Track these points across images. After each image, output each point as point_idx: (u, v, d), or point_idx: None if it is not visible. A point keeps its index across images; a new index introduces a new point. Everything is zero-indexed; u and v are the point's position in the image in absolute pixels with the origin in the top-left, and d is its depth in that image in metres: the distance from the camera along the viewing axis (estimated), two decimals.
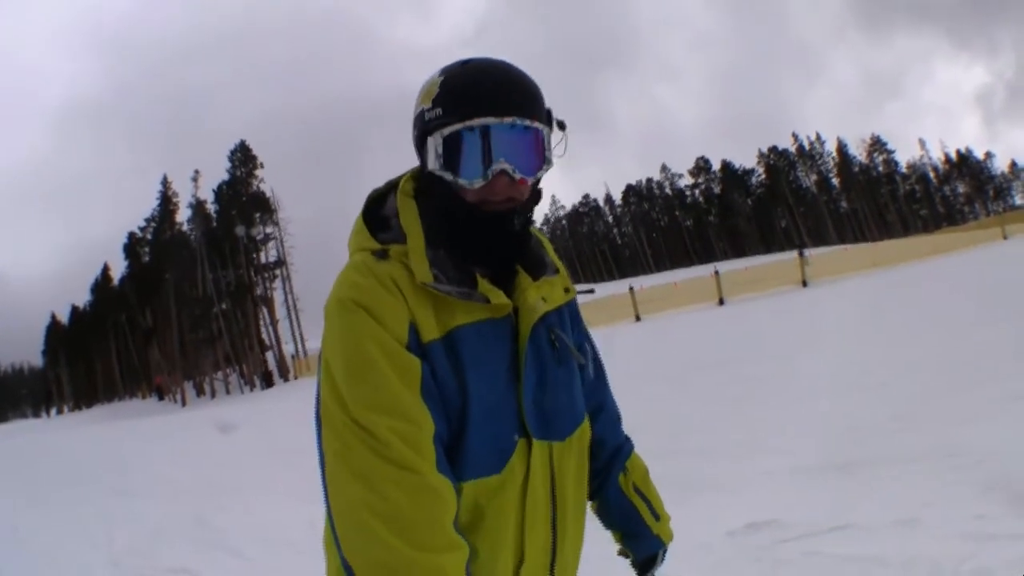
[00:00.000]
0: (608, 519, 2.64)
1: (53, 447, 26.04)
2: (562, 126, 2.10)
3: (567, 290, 2.36)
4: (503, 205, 2.01)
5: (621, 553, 2.72)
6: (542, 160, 2.05)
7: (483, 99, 1.94)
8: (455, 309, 1.99)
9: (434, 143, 1.98)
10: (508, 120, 1.93)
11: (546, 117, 2.06)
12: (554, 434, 2.16)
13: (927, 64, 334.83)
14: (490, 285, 2.03)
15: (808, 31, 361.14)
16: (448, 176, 1.98)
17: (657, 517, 2.62)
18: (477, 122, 1.92)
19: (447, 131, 1.95)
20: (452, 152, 1.97)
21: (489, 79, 1.98)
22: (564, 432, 2.20)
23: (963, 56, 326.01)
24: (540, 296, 2.17)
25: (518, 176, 1.98)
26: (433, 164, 2.00)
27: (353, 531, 1.80)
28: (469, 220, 2.02)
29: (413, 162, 2.19)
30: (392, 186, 2.25)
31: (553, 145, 2.09)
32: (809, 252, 54.66)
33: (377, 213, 2.20)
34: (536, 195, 2.13)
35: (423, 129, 2.02)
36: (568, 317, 2.36)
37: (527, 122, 1.97)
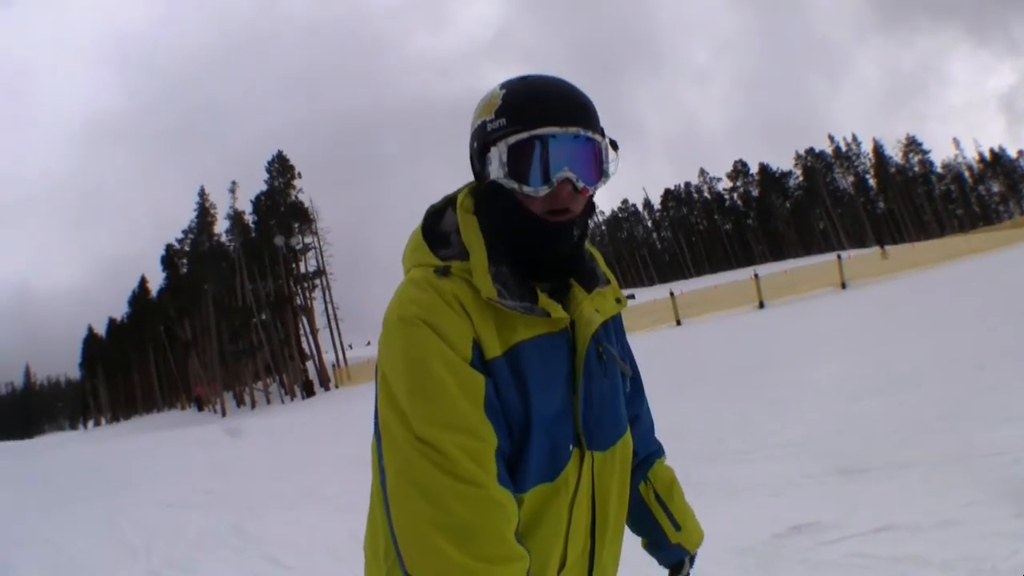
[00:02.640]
0: (633, 526, 2.66)
1: (89, 458, 26.19)
2: (615, 146, 2.11)
3: (618, 300, 2.38)
4: (561, 216, 2.03)
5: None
6: (601, 172, 2.06)
7: (548, 110, 1.96)
8: (516, 325, 2.01)
9: (498, 152, 2.00)
10: (572, 130, 1.95)
11: (601, 131, 2.06)
12: (597, 445, 2.18)
13: (952, 64, 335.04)
14: (549, 299, 2.05)
15: (832, 33, 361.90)
16: (513, 184, 2.00)
17: (678, 527, 2.65)
18: (543, 131, 1.94)
19: (512, 140, 1.97)
20: (517, 160, 1.98)
21: (552, 92, 2.01)
22: (606, 443, 2.22)
23: (986, 55, 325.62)
24: (594, 308, 2.19)
25: (581, 185, 1.99)
26: (497, 173, 2.02)
27: (416, 546, 1.81)
28: (532, 230, 2.03)
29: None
30: (449, 201, 2.27)
31: (609, 159, 2.09)
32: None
33: (434, 229, 2.22)
34: (590, 208, 2.15)
35: (485, 140, 2.04)
36: (612, 328, 2.38)
37: (589, 133, 1.98)
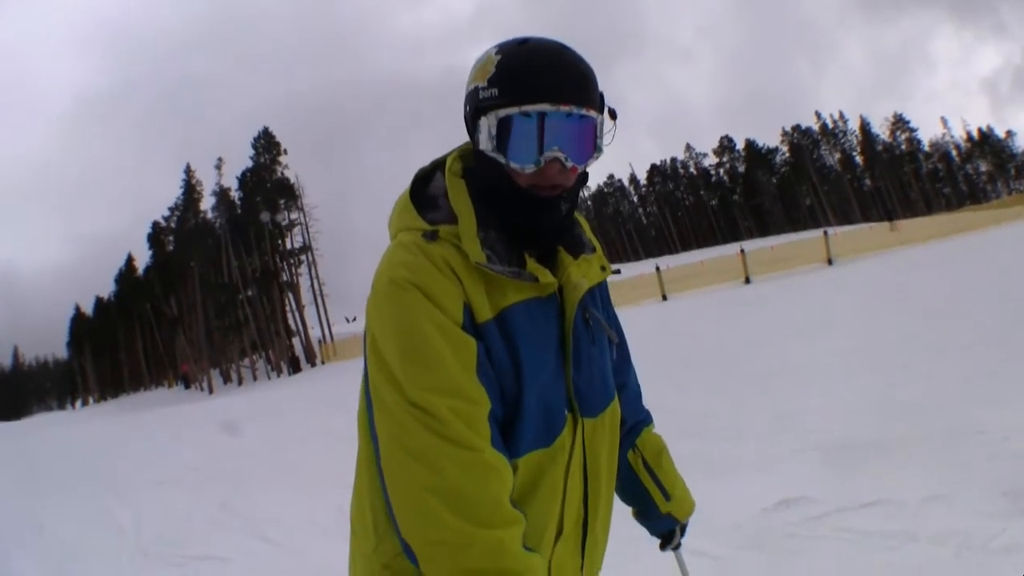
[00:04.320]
0: (622, 495, 2.66)
1: (77, 440, 26.11)
2: (613, 114, 2.07)
3: (603, 268, 2.35)
4: (550, 191, 2.01)
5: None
6: (593, 148, 2.04)
7: (541, 84, 1.92)
8: (506, 289, 1.99)
9: (488, 123, 1.97)
10: (565, 108, 1.92)
11: (599, 103, 2.03)
12: (586, 411, 2.16)
13: (937, 44, 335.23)
14: (537, 264, 2.04)
15: (817, 10, 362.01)
16: (500, 159, 1.98)
17: (668, 496, 2.67)
18: (533, 108, 1.91)
19: (502, 113, 1.94)
20: (506, 135, 1.96)
21: (548, 63, 1.96)
22: (596, 409, 2.21)
23: (969, 36, 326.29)
24: (581, 274, 2.18)
25: (570, 164, 1.97)
26: (486, 145, 1.99)
27: (411, 511, 1.82)
28: (519, 203, 2.02)
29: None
30: (438, 165, 2.25)
31: (604, 132, 2.07)
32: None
33: (423, 192, 2.19)
34: (582, 179, 2.12)
35: (477, 107, 2.01)
36: (599, 296, 2.38)
37: (583, 111, 1.95)
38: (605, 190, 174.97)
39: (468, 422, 1.83)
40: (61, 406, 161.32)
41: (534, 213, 2.03)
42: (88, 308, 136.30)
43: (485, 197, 2.07)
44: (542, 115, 1.92)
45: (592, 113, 1.98)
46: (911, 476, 6.25)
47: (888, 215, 64.22)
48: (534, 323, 2.03)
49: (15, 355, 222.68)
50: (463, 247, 1.96)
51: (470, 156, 2.17)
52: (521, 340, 1.98)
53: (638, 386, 2.70)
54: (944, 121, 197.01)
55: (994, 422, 7.05)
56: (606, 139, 2.07)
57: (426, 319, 1.87)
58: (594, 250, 2.34)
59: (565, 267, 2.14)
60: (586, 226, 2.40)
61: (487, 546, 1.75)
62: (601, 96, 2.04)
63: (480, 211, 2.04)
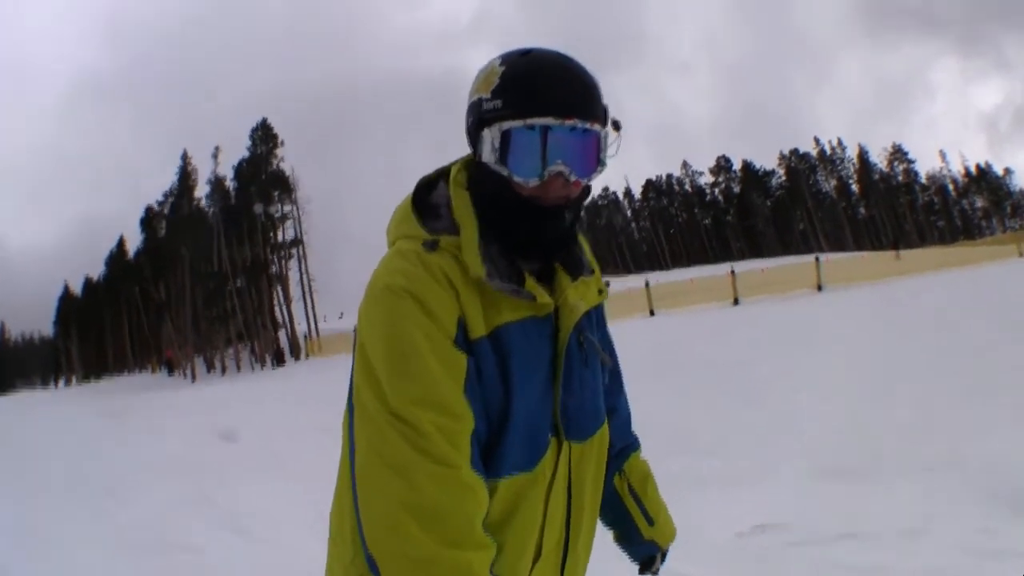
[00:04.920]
0: (604, 518, 2.63)
1: (59, 425, 26.05)
2: (617, 126, 2.05)
3: (600, 291, 2.35)
4: (554, 202, 1.99)
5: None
6: (597, 162, 2.01)
7: (545, 98, 1.91)
8: (501, 306, 1.98)
9: (491, 136, 1.96)
10: (569, 123, 1.90)
11: (603, 116, 2.00)
12: (575, 435, 2.15)
13: (938, 77, 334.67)
14: (536, 283, 2.03)
15: (821, 37, 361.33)
16: (504, 171, 1.96)
17: (651, 522, 2.64)
18: (538, 121, 1.90)
19: (506, 126, 1.92)
20: (509, 148, 1.94)
21: (552, 76, 1.95)
22: (585, 433, 2.20)
23: (973, 71, 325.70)
24: (579, 296, 2.17)
25: (573, 178, 1.96)
26: (488, 157, 1.98)
27: (381, 524, 1.79)
28: (523, 213, 2.00)
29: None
30: (442, 173, 2.23)
31: (608, 144, 2.04)
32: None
33: (425, 200, 2.18)
34: (586, 191, 2.10)
35: (480, 118, 1.99)
36: (595, 318, 2.35)
37: (587, 125, 1.93)
38: (599, 202, 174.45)
39: (450, 439, 1.81)
40: (44, 384, 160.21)
41: (538, 222, 2.02)
42: (77, 287, 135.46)
43: (489, 210, 2.05)
44: (546, 128, 1.90)
45: (596, 126, 1.96)
46: (890, 507, 6.29)
47: (893, 243, 65.01)
48: (528, 343, 2.01)
49: (1, 330, 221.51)
50: (463, 259, 1.96)
51: (474, 167, 2.13)
52: (513, 360, 1.96)
53: (628, 410, 2.69)
54: (943, 155, 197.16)
55: (975, 454, 7.13)
56: (610, 151, 2.05)
57: (417, 329, 1.85)
58: (592, 272, 2.31)
59: (563, 288, 2.13)
60: (586, 246, 2.37)
61: (454, 567, 1.75)
62: (605, 108, 2.02)
63: (483, 224, 2.03)
